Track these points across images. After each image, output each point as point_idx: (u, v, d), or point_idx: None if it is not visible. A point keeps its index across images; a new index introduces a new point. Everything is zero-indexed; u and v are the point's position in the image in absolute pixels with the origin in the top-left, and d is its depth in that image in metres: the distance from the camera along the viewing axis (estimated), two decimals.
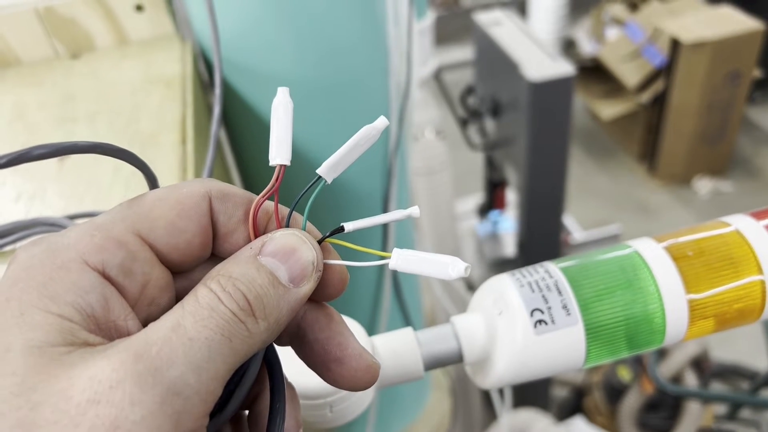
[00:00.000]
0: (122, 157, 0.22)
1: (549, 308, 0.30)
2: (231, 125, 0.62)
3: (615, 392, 1.38)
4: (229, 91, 0.57)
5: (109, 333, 0.18)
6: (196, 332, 0.17)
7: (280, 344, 0.23)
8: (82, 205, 0.42)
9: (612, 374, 1.40)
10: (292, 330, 0.23)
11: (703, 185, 2.27)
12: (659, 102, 2.16)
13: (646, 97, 2.17)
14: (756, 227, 0.32)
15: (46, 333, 0.17)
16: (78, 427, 0.15)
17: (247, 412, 0.23)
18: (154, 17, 0.62)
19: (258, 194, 0.22)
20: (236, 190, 0.22)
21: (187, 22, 0.61)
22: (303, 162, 0.57)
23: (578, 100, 2.48)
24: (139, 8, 0.61)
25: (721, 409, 1.35)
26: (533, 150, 1.04)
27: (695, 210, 2.19)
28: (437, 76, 1.15)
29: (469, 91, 1.28)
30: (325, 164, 0.21)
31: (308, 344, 0.23)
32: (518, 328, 0.30)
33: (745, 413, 1.30)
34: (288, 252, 0.20)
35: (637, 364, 1.36)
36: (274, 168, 0.22)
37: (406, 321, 0.73)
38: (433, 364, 0.32)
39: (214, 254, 0.22)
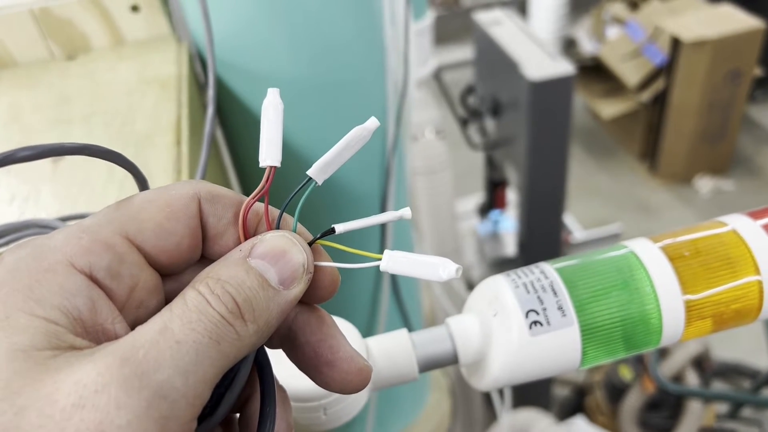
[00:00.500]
0: (110, 159, 0.21)
1: (544, 309, 0.30)
2: (227, 125, 0.62)
3: (616, 391, 1.38)
4: (225, 91, 0.57)
5: (96, 336, 0.18)
6: (183, 335, 0.17)
7: (271, 347, 0.23)
8: (76, 206, 0.42)
9: (613, 373, 1.39)
10: (283, 333, 0.23)
11: (704, 184, 2.26)
12: (660, 101, 2.16)
13: (646, 96, 2.16)
14: (753, 227, 0.32)
15: (31, 337, 0.16)
16: (63, 431, 0.15)
17: (237, 415, 0.23)
18: (150, 18, 0.61)
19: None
20: (226, 191, 0.22)
21: (183, 23, 0.61)
22: (300, 162, 0.57)
23: (579, 100, 2.48)
24: (134, 9, 0.61)
25: (722, 408, 1.35)
26: (533, 149, 1.04)
27: (696, 209, 2.18)
28: (437, 75, 1.15)
29: (469, 90, 1.28)
30: (315, 165, 0.21)
31: (299, 347, 0.22)
32: (513, 330, 0.30)
33: (747, 412, 1.30)
34: (278, 254, 0.20)
35: (639, 363, 1.36)
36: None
37: (405, 322, 0.73)
38: (427, 365, 0.32)
39: (204, 256, 0.22)
